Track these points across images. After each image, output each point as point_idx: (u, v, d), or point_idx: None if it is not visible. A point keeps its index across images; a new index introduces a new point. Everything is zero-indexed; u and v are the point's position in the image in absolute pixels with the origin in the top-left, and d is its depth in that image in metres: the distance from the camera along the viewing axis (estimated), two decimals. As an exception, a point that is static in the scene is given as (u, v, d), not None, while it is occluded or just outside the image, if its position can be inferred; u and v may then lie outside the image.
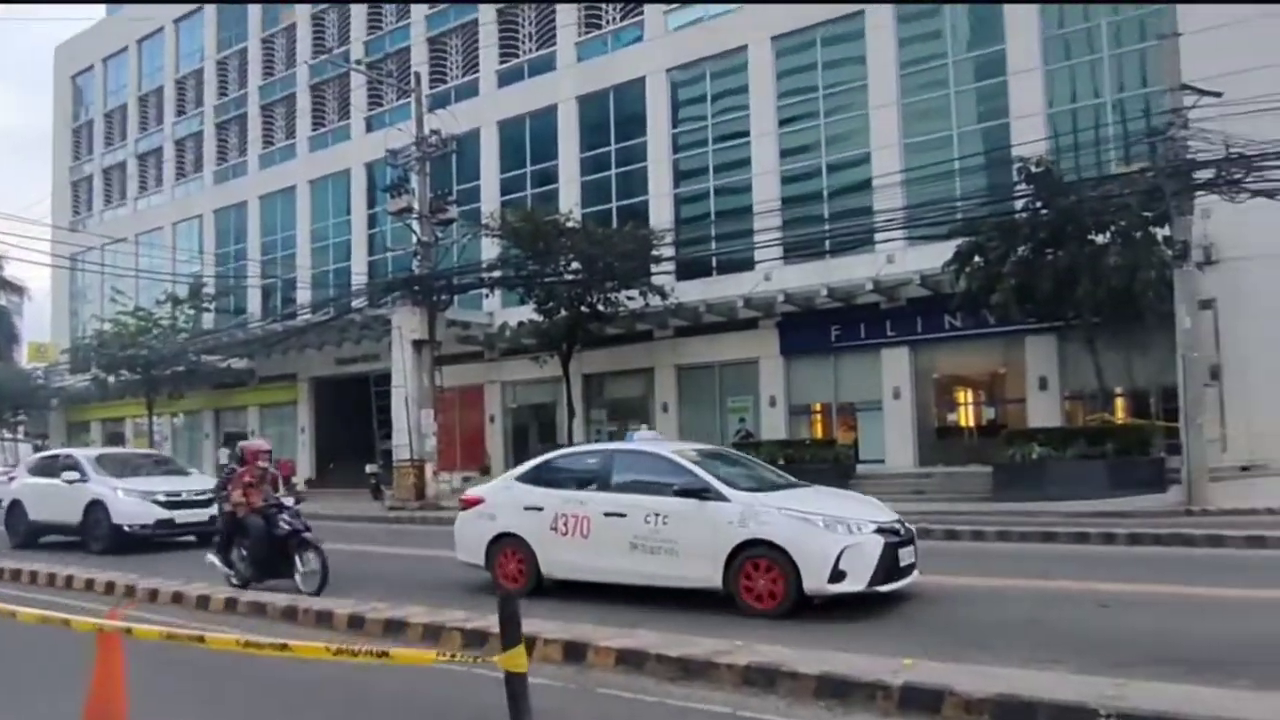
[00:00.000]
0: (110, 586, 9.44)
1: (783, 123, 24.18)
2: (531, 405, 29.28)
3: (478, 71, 30.01)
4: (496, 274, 24.17)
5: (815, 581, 7.29)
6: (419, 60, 30.01)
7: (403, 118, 25.61)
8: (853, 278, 21.60)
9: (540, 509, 8.65)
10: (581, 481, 8.82)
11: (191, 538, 14.10)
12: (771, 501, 7.80)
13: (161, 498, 13.99)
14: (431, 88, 29.29)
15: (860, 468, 21.21)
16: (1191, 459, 14.45)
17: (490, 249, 25.79)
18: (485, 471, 26.94)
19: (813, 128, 23.85)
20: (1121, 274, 15.94)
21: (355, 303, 26.77)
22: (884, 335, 22.43)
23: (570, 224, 23.33)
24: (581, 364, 25.70)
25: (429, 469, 22.84)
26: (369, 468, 27.65)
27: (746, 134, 24.61)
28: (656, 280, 23.06)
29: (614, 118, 27.08)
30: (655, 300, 23.14)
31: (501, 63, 29.51)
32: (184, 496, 14.23)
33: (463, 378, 28.24)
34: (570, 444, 24.20)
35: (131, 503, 13.82)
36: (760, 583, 7.45)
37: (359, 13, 33.29)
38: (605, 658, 5.82)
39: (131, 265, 37.36)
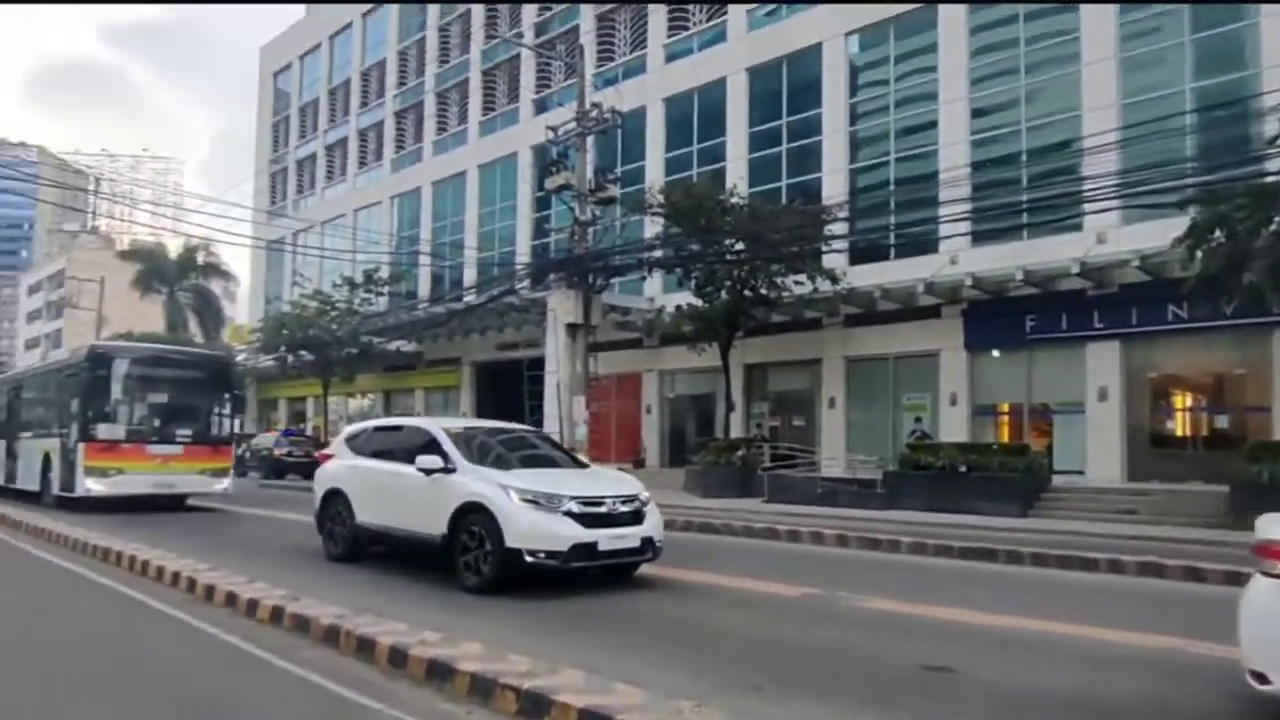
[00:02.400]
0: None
1: (975, 83, 21.55)
2: (690, 396, 27.92)
3: (645, 48, 29.00)
4: (655, 254, 22.87)
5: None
6: (587, 38, 29.30)
7: (570, 98, 24.92)
8: (1054, 260, 18.85)
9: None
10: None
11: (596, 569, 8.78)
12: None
13: (575, 508, 8.31)
14: (599, 66, 28.59)
15: (1056, 479, 18.46)
16: None
17: (651, 231, 24.60)
18: (640, 465, 25.83)
19: (1010, 88, 21.11)
20: None
21: (515, 285, 26.36)
22: (1090, 327, 19.47)
23: (735, 200, 21.74)
24: (743, 353, 24.08)
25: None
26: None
27: (933, 98, 22.13)
28: (827, 263, 21.11)
29: (786, 89, 25.23)
30: (825, 285, 21.20)
31: (670, 37, 28.34)
32: (607, 506, 8.56)
33: (619, 365, 27.27)
34: (728, 438, 22.70)
35: (534, 514, 8.22)
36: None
37: (532, -5, 33.10)
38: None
39: (317, 251, 39.24)
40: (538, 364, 26.53)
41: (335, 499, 10.32)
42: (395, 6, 40.01)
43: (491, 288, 28.39)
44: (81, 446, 15.75)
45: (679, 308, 23.14)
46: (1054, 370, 20.30)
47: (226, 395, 17.84)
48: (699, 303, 22.26)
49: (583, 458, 10.96)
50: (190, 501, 17.44)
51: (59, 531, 11.85)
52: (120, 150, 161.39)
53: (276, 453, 29.56)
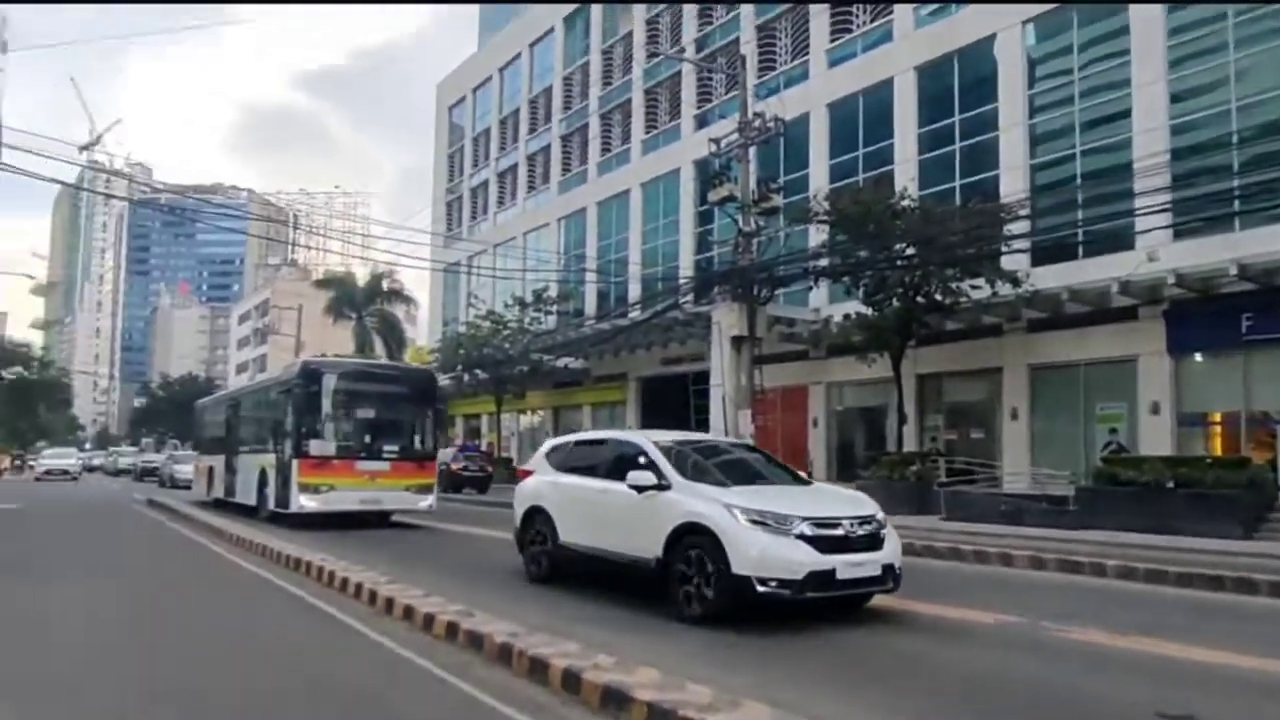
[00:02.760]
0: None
1: (1174, 64, 19.74)
2: (859, 409, 26.96)
3: (807, 54, 28.47)
4: (821, 263, 22.27)
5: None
6: (748, 48, 29.10)
7: (732, 110, 24.83)
8: (1274, 251, 16.90)
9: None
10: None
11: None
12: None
13: (808, 530, 7.40)
14: (760, 76, 28.30)
15: (1284, 496, 16.44)
16: None
17: (816, 239, 23.99)
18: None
19: (1215, 66, 19.17)
20: None
21: (679, 300, 26.40)
22: (1320, 325, 17.32)
23: (906, 203, 20.86)
24: (916, 363, 23.00)
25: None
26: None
27: (1123, 84, 20.43)
28: (1007, 264, 19.86)
29: (958, 85, 24.02)
30: (1005, 288, 19.93)
31: (833, 41, 27.70)
32: (844, 528, 7.60)
33: (785, 378, 26.71)
34: (900, 452, 21.70)
35: (764, 538, 7.33)
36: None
37: (690, 12, 33.31)
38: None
39: (489, 275, 40.97)
40: (702, 378, 26.39)
41: (536, 517, 9.81)
42: (560, 35, 41.31)
43: (656, 303, 28.60)
44: (296, 463, 15.78)
45: (847, 317, 22.41)
46: (1277, 374, 18.18)
47: (430, 410, 17.66)
48: (868, 311, 21.46)
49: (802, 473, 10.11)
50: (393, 518, 17.41)
51: (257, 541, 12.55)
52: (315, 188, 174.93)
53: (453, 467, 30.84)
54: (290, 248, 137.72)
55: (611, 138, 37.79)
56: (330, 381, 16.49)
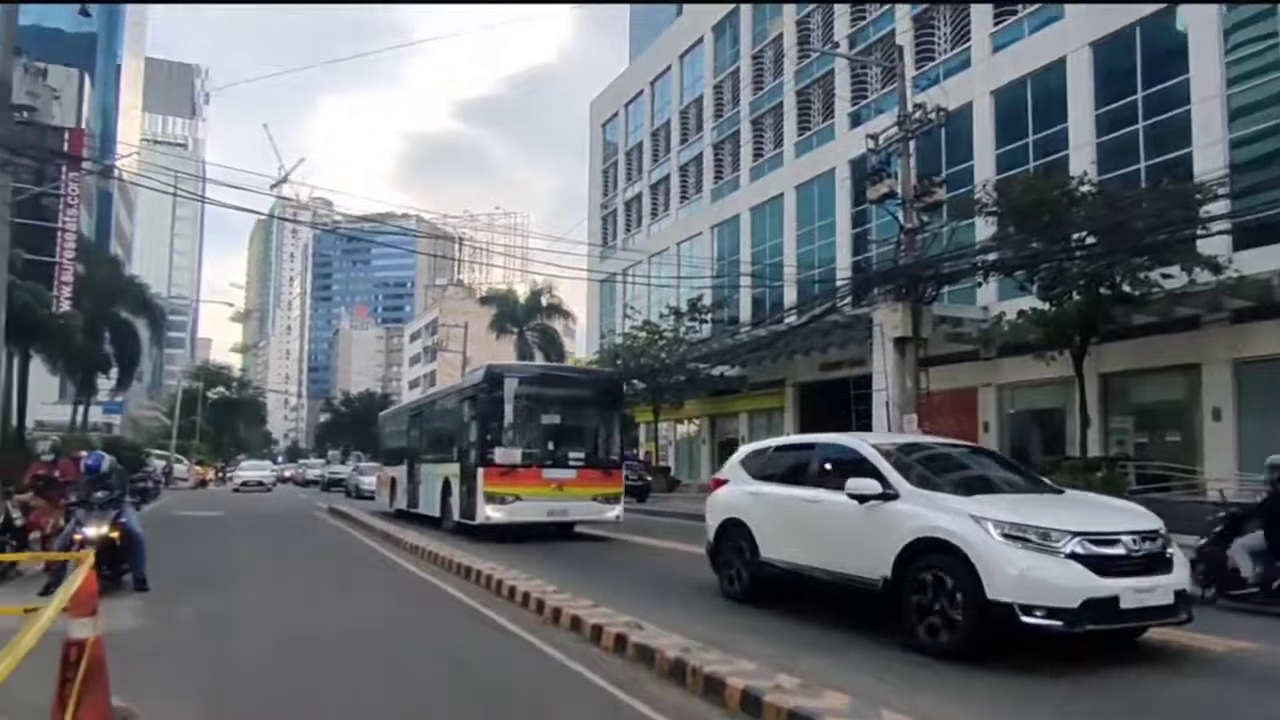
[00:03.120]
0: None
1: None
2: (1033, 411, 25.30)
3: (968, 41, 27.16)
4: (990, 257, 21.02)
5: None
6: (905, 38, 28.06)
7: (890, 104, 23.99)
8: None
9: None
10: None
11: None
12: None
13: (1080, 547, 6.23)
14: (918, 68, 27.23)
15: None
16: None
17: (983, 234, 22.72)
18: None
19: None
20: None
21: (837, 303, 25.65)
22: None
23: (1085, 188, 19.40)
24: (1099, 361, 21.32)
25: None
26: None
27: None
28: (1204, 249, 18.08)
29: (1140, 58, 22.22)
30: (1204, 276, 18.15)
31: (996, 25, 26.30)
32: (1124, 545, 6.38)
33: (952, 380, 25.42)
34: (1084, 457, 20.13)
35: (1025, 556, 6.21)
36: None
37: (843, 9, 32.52)
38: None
39: (644, 285, 41.40)
40: (864, 383, 25.53)
41: (733, 531, 8.97)
42: (710, 44, 41.32)
43: (813, 307, 27.94)
44: (480, 472, 15.10)
45: (1021, 314, 21.04)
46: None
47: (615, 415, 16.88)
48: (1045, 307, 20.06)
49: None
50: (575, 528, 16.71)
51: (428, 548, 12.75)
52: (477, 210, 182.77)
53: None
54: (456, 268, 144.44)
55: (764, 142, 37.37)
56: (515, 386, 15.75)
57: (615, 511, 15.97)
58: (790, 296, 33.00)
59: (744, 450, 9.89)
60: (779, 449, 9.47)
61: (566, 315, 56.74)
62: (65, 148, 26.63)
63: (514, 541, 14.71)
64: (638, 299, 42.65)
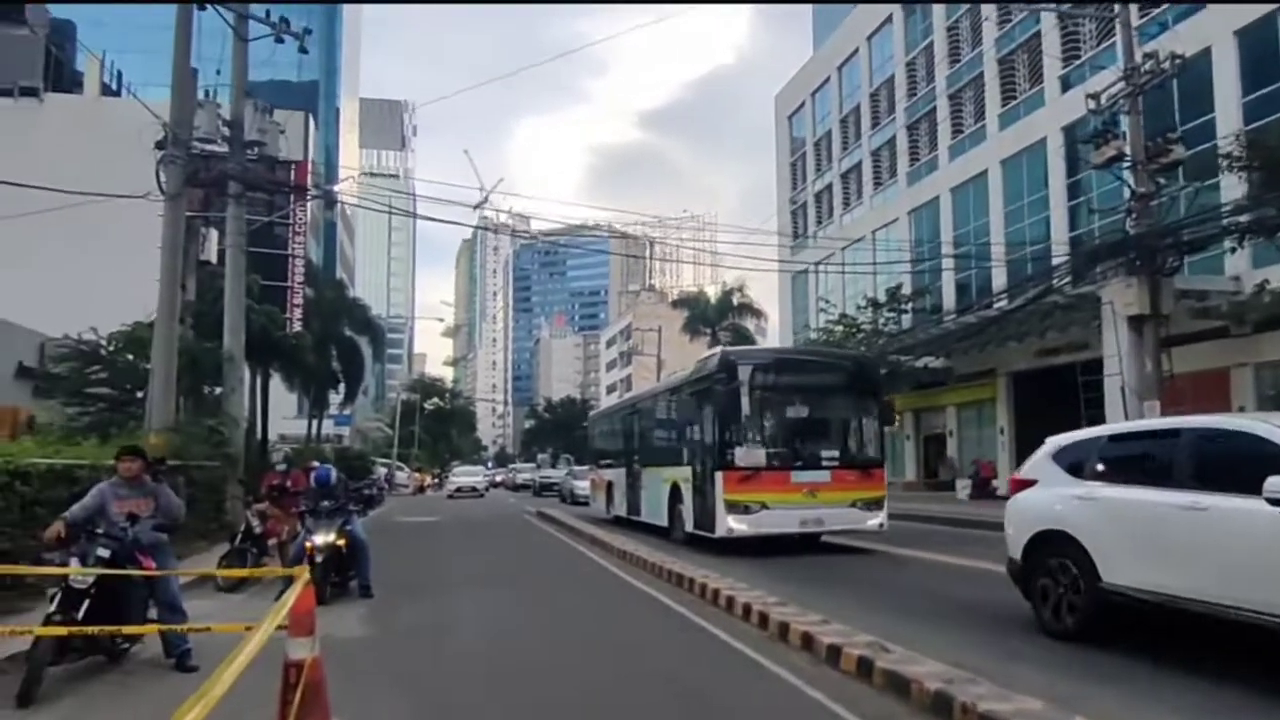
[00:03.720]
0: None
1: None
2: (1303, 393, 22.06)
3: (1203, -21, 24.16)
4: (1244, 218, 18.47)
5: None
6: (1121, -11, 25.40)
7: (1108, 62, 21.70)
8: None
9: None
10: None
11: None
12: None
13: None
14: (1141, 16, 24.50)
15: None
16: None
17: (1233, 192, 20.04)
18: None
19: None
20: None
21: (1055, 282, 23.50)
22: None
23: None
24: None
25: None
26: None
27: None
28: None
29: None
30: None
31: (1235, -41, 23.21)
32: None
33: (1198, 361, 22.53)
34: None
35: None
36: None
37: (1047, -36, 29.94)
38: None
39: (838, 277, 40.09)
40: (1091, 367, 23.22)
41: (1054, 546, 7.07)
42: (899, 21, 39.41)
43: (1026, 289, 25.79)
44: (719, 476, 13.17)
45: (1286, 282, 18.36)
46: None
47: (874, 405, 14.50)
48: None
49: None
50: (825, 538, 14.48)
51: (645, 557, 12.22)
52: (666, 214, 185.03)
53: None
54: (647, 273, 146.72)
55: (963, 117, 35.11)
56: (755, 374, 13.63)
57: (878, 519, 13.73)
58: (999, 279, 30.77)
59: (1056, 442, 7.81)
60: (1114, 439, 7.52)
61: (758, 314, 56.00)
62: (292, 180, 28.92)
63: (754, 555, 13.03)
64: (832, 292, 41.29)
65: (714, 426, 13.71)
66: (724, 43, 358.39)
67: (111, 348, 17.67)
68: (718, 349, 15.52)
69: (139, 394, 15.92)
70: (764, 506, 13.03)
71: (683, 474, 14.99)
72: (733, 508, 13.02)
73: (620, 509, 19.93)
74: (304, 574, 4.54)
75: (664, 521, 15.96)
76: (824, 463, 13.47)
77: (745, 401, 13.49)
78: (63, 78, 42.75)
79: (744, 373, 13.54)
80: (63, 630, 5.36)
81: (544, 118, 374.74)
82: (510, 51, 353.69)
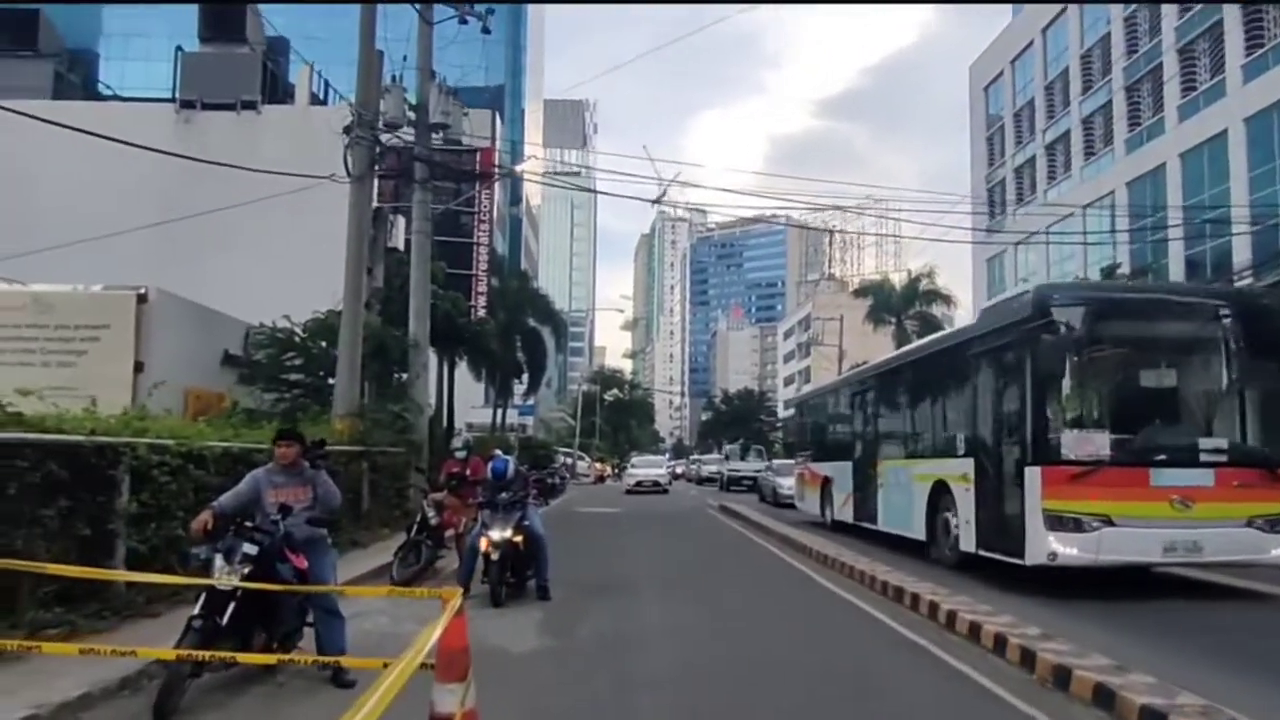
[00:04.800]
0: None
1: None
2: None
3: None
4: None
5: None
6: None
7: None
8: None
9: None
10: None
11: None
12: None
13: None
14: None
15: None
16: None
17: None
18: None
19: None
20: None
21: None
22: None
23: None
24: None
25: None
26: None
27: None
28: None
29: None
30: None
31: None
32: None
33: None
34: None
35: None
36: None
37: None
38: None
39: (1039, 259, 36.81)
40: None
41: None
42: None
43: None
44: (1036, 474, 9.05)
45: None
46: None
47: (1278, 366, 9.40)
48: None
49: None
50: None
51: (862, 570, 10.54)
52: (847, 202, 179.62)
53: None
54: (827, 262, 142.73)
55: (1196, 70, 31.05)
56: (1091, 322, 9.07)
57: None
58: (1243, 253, 26.97)
59: None
60: None
61: (948, 300, 52.67)
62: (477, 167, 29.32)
63: (1070, 593, 9.20)
64: (1034, 274, 37.93)
65: (1022, 400, 9.51)
66: (907, 21, 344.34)
67: (305, 335, 18.17)
68: (1030, 288, 10.91)
69: (330, 380, 16.18)
70: (1108, 521, 8.76)
71: (954, 469, 11.14)
72: (1057, 522, 8.83)
73: (845, 512, 16.51)
74: (455, 597, 3.70)
75: (915, 533, 12.50)
76: (1203, 457, 9.08)
77: (1075, 362, 9.05)
78: (278, 90, 45.73)
79: (1073, 319, 9.01)
80: (185, 653, 4.79)
81: (719, 111, 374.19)
82: (686, 48, 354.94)
